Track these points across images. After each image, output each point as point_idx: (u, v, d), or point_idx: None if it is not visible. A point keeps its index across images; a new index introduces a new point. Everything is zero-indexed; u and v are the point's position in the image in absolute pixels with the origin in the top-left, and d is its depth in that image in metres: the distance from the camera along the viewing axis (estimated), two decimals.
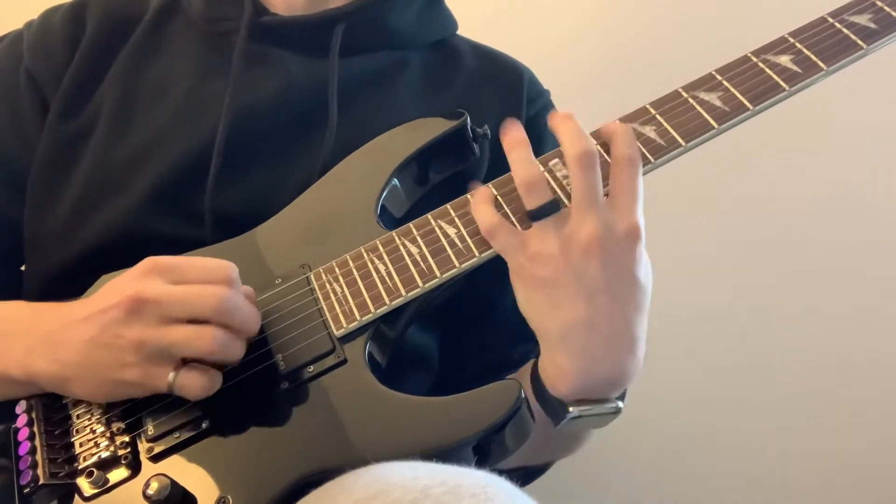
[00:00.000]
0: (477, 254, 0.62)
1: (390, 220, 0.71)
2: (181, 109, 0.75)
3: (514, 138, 0.62)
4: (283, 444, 0.58)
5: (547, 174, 0.63)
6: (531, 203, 0.59)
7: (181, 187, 0.72)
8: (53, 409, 0.62)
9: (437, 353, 0.81)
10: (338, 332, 0.62)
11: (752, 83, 0.64)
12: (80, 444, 0.59)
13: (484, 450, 0.59)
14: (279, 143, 0.75)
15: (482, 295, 0.76)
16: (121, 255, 0.68)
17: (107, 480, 0.57)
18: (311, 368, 0.61)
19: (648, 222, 0.60)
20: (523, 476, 0.82)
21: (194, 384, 0.57)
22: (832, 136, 1.21)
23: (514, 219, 0.62)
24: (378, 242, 0.65)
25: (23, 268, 0.80)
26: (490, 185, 0.64)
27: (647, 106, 0.65)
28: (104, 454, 0.58)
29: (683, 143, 0.63)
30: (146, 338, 0.56)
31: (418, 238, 0.64)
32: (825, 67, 0.63)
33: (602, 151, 0.62)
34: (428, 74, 0.82)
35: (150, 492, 0.55)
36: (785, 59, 0.64)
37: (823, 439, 1.25)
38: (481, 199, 0.63)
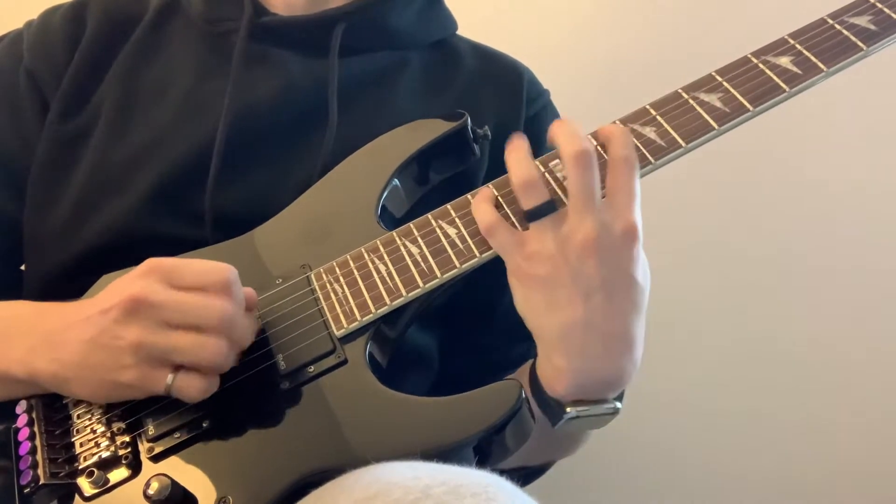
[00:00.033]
0: (477, 254, 0.62)
1: (391, 220, 0.71)
2: (181, 109, 0.75)
3: (513, 144, 0.62)
4: (284, 444, 0.58)
5: (547, 174, 0.63)
6: (527, 203, 0.59)
7: (181, 187, 0.72)
8: (54, 408, 0.62)
9: (437, 353, 0.81)
10: (338, 333, 0.62)
11: (752, 84, 0.64)
12: (81, 444, 0.59)
13: (484, 450, 0.59)
14: (279, 143, 0.75)
15: (482, 295, 0.76)
16: (121, 255, 0.68)
17: (107, 480, 0.57)
18: (312, 368, 0.61)
19: (647, 222, 0.60)
20: (524, 476, 0.83)
21: (193, 387, 0.57)
22: (832, 136, 1.21)
23: (514, 219, 0.62)
24: (378, 242, 0.65)
25: (23, 268, 0.80)
26: (490, 185, 0.65)
27: (648, 107, 0.65)
28: (105, 454, 0.58)
29: (684, 144, 0.63)
30: (145, 340, 0.56)
31: (419, 238, 0.65)
32: (825, 69, 0.63)
33: (602, 153, 0.62)
34: (428, 74, 0.82)
35: (150, 492, 0.55)
36: (785, 61, 0.64)
37: (823, 439, 1.25)
38: (481, 199, 0.63)
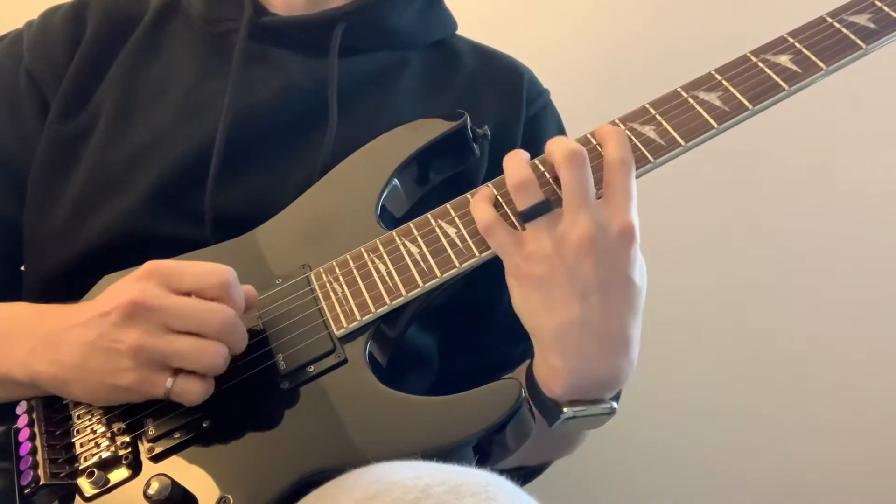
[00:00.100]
0: (477, 254, 0.62)
1: (390, 220, 0.71)
2: (181, 109, 0.75)
3: (511, 152, 0.63)
4: (284, 444, 0.58)
5: (546, 174, 0.63)
6: (522, 203, 0.60)
7: (181, 187, 0.72)
8: (54, 409, 0.62)
9: (437, 353, 0.81)
10: (338, 332, 0.62)
11: (751, 83, 0.64)
12: (81, 445, 0.59)
13: (484, 449, 0.59)
14: (279, 143, 0.75)
15: (482, 295, 0.76)
16: (121, 255, 0.68)
17: (107, 480, 0.57)
18: (312, 368, 0.61)
19: (646, 221, 0.60)
20: (523, 476, 0.83)
21: (192, 391, 0.57)
22: (832, 135, 1.21)
23: (513, 219, 0.62)
24: (378, 242, 0.65)
25: (23, 268, 0.80)
26: (490, 185, 0.65)
27: (647, 105, 0.65)
28: (105, 454, 0.58)
29: (683, 143, 0.63)
30: (145, 344, 0.56)
31: (418, 238, 0.65)
32: (824, 67, 0.63)
33: (599, 149, 0.62)
34: (428, 74, 0.82)
35: (150, 492, 0.55)
36: (784, 59, 0.64)
37: (823, 438, 1.25)
38: (480, 199, 0.63)
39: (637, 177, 0.61)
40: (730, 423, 1.26)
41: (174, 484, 0.55)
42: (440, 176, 0.75)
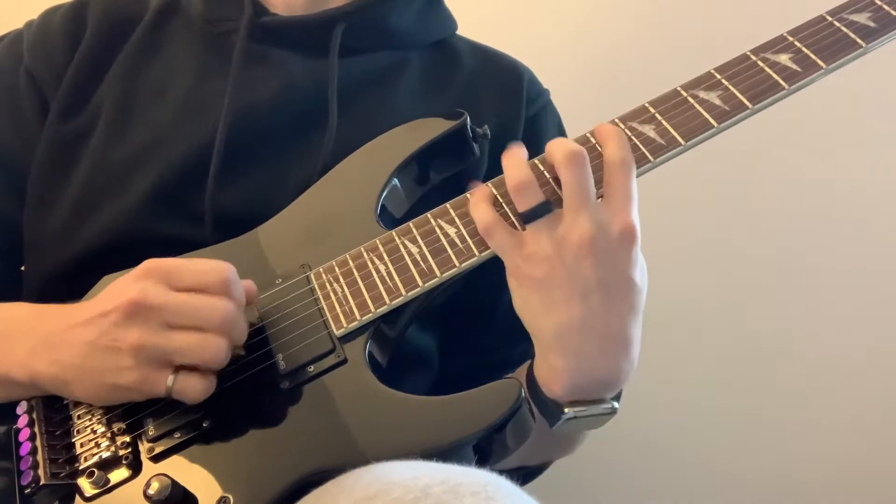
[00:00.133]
0: (477, 253, 0.62)
1: (390, 220, 0.71)
2: (181, 109, 0.75)
3: (510, 150, 0.63)
4: (284, 444, 0.58)
5: (546, 173, 0.63)
6: (523, 205, 0.60)
7: (181, 187, 0.72)
8: (54, 409, 0.62)
9: (437, 353, 0.81)
10: (338, 332, 0.62)
11: (751, 82, 0.64)
12: (81, 445, 0.59)
13: (484, 449, 0.59)
14: (279, 143, 0.75)
15: (482, 295, 0.76)
16: (121, 255, 0.68)
17: (108, 480, 0.57)
18: (312, 368, 0.61)
19: (646, 220, 0.60)
20: (523, 476, 0.83)
21: (193, 388, 0.57)
22: (832, 134, 1.21)
23: (513, 219, 0.62)
24: (378, 242, 0.65)
25: (23, 268, 0.80)
26: (490, 185, 0.65)
27: (647, 105, 0.65)
28: (105, 454, 0.58)
29: (683, 143, 0.63)
30: (146, 342, 0.56)
31: (418, 237, 0.64)
32: (824, 66, 0.63)
33: (599, 149, 0.62)
34: (428, 74, 0.82)
35: (150, 492, 0.55)
36: (784, 58, 0.64)
37: (823, 438, 1.25)
38: (480, 198, 0.63)
39: (637, 176, 0.61)
40: (730, 423, 1.26)
41: (174, 484, 0.55)
42: (440, 176, 0.75)
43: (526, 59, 0.88)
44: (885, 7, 0.64)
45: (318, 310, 0.64)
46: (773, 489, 1.26)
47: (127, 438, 0.59)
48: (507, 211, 0.62)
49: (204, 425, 0.59)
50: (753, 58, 0.65)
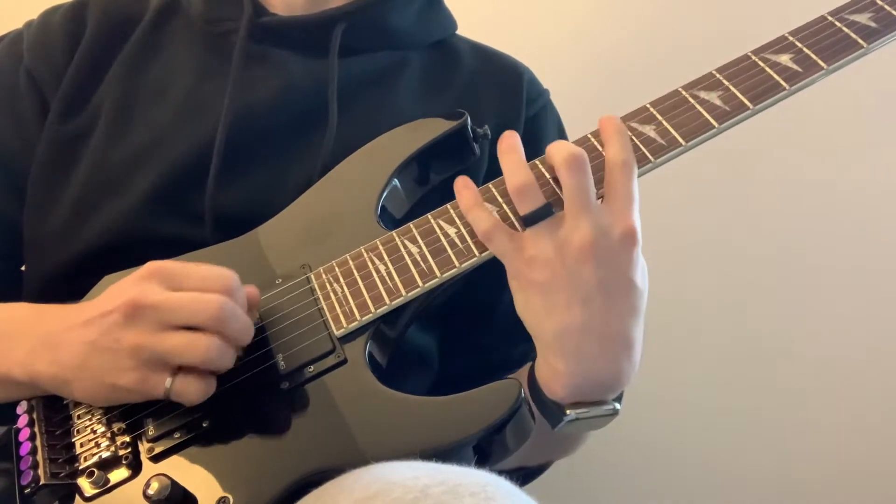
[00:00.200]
0: (477, 254, 0.62)
1: (390, 220, 0.71)
2: (181, 109, 0.75)
3: (507, 145, 0.62)
4: (284, 444, 0.58)
5: (546, 173, 0.63)
6: (524, 208, 0.59)
7: (181, 187, 0.72)
8: (54, 409, 0.62)
9: (437, 353, 0.81)
10: (338, 332, 0.62)
11: (752, 82, 0.63)
12: (81, 445, 0.59)
13: (484, 449, 0.59)
14: (279, 143, 0.75)
15: (482, 295, 0.76)
16: (121, 255, 0.68)
17: (107, 480, 0.57)
18: (312, 368, 0.61)
19: (646, 222, 0.60)
20: (523, 476, 0.82)
21: (191, 390, 0.57)
22: (832, 135, 1.21)
23: (513, 219, 0.62)
24: (378, 242, 0.65)
25: (23, 268, 0.80)
26: (490, 185, 0.64)
27: (647, 105, 0.65)
28: (105, 454, 0.58)
29: (684, 143, 0.63)
30: (144, 343, 0.56)
31: (418, 238, 0.64)
32: (825, 66, 0.63)
33: (599, 148, 0.62)
34: (428, 74, 0.82)
35: (150, 492, 0.55)
36: (785, 58, 0.64)
37: (823, 439, 1.25)
38: (475, 203, 0.62)
39: (637, 176, 0.61)
40: (730, 423, 1.26)
41: (174, 484, 0.55)
42: (440, 176, 0.75)
43: (526, 59, 0.88)
44: (887, 7, 0.63)
45: (318, 310, 0.64)
46: (773, 489, 1.26)
47: (127, 438, 0.59)
48: (507, 211, 0.62)
49: (204, 425, 0.59)
50: (754, 58, 0.65)
